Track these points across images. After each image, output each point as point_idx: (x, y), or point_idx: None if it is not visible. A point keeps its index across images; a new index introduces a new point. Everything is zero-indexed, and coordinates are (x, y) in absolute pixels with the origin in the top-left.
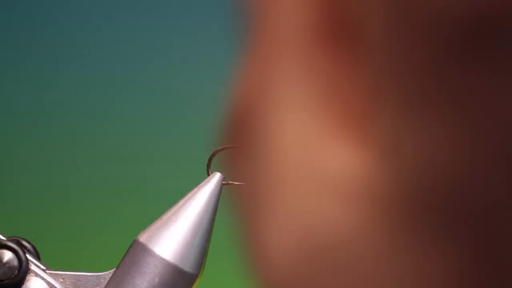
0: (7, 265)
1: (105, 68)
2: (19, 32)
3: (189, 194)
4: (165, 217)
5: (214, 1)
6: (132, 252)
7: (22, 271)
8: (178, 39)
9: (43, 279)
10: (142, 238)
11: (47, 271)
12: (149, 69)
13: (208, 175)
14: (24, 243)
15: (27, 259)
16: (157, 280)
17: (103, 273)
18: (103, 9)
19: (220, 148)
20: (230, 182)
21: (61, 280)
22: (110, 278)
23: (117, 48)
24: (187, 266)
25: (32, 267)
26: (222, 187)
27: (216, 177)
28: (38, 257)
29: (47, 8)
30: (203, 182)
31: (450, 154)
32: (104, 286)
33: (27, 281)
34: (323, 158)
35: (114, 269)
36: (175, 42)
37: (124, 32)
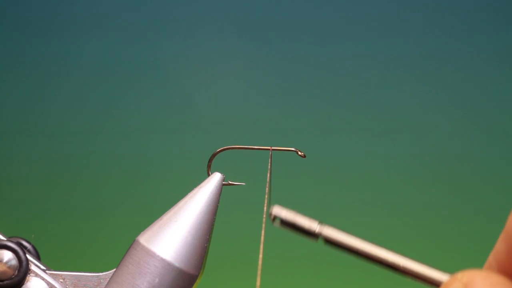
0: (7, 265)
1: (107, 68)
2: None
3: (190, 194)
4: (165, 217)
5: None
6: (132, 252)
7: (22, 271)
8: (179, 40)
9: (43, 279)
10: (142, 238)
11: (47, 271)
12: (151, 70)
13: (209, 175)
14: (24, 243)
15: (27, 259)
16: (157, 280)
17: (103, 273)
18: (107, 11)
19: (221, 149)
20: (230, 182)
21: (61, 280)
22: (110, 278)
23: (120, 49)
24: (187, 266)
25: (32, 267)
26: (222, 187)
27: (216, 177)
28: (38, 257)
29: (54, 10)
30: (204, 182)
31: None
32: (104, 286)
33: (27, 281)
34: None
35: (114, 269)
36: (176, 44)
37: (127, 33)
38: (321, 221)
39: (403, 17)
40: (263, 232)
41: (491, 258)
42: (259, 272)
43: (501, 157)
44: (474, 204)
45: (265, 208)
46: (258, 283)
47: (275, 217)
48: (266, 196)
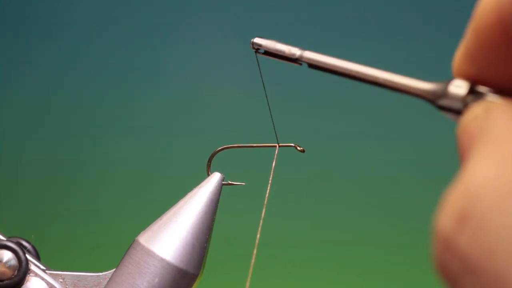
0: (7, 265)
1: (107, 71)
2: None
3: (189, 194)
4: (165, 217)
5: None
6: (132, 252)
7: (22, 271)
8: (180, 43)
9: (43, 279)
10: (142, 238)
11: (47, 271)
12: (151, 72)
13: (208, 175)
14: (24, 243)
15: (27, 259)
16: (156, 280)
17: (103, 273)
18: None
19: (220, 148)
20: (230, 182)
21: (61, 280)
22: (110, 278)
23: (121, 52)
24: (187, 266)
25: (32, 267)
26: (222, 187)
27: (216, 177)
28: (38, 257)
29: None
30: (203, 182)
31: None
32: (104, 286)
33: (27, 281)
34: None
35: (114, 269)
36: (177, 46)
37: (128, 37)
38: (303, 48)
39: (403, 20)
40: (259, 229)
41: (462, 53)
42: (252, 264)
43: None
44: None
45: (265, 200)
46: (249, 275)
47: (258, 48)
48: (268, 188)
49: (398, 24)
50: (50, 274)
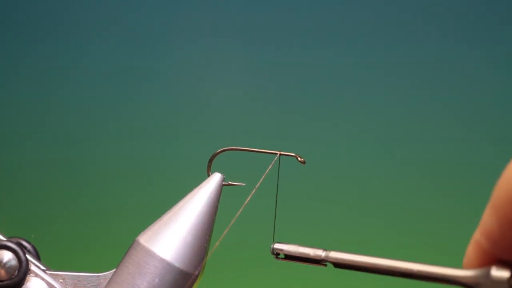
0: (7, 266)
1: (108, 71)
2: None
3: (190, 195)
4: (165, 217)
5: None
6: (132, 253)
7: (22, 272)
8: (181, 44)
9: (43, 279)
10: (142, 238)
11: (47, 272)
12: (152, 73)
13: (209, 175)
14: (24, 243)
15: (27, 260)
16: (157, 280)
17: (103, 273)
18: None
19: (221, 149)
20: (230, 182)
21: (61, 280)
22: (110, 279)
23: (122, 53)
24: (187, 266)
25: (32, 267)
26: (222, 188)
27: (216, 177)
28: (38, 257)
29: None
30: (204, 183)
31: None
32: (104, 286)
33: (27, 282)
34: None
35: (114, 270)
36: (178, 47)
37: (129, 37)
38: (325, 248)
39: (402, 23)
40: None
41: (480, 237)
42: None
43: (498, 159)
44: (475, 209)
45: (246, 200)
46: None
47: (278, 253)
48: (253, 192)
49: (398, 24)
50: (50, 275)
